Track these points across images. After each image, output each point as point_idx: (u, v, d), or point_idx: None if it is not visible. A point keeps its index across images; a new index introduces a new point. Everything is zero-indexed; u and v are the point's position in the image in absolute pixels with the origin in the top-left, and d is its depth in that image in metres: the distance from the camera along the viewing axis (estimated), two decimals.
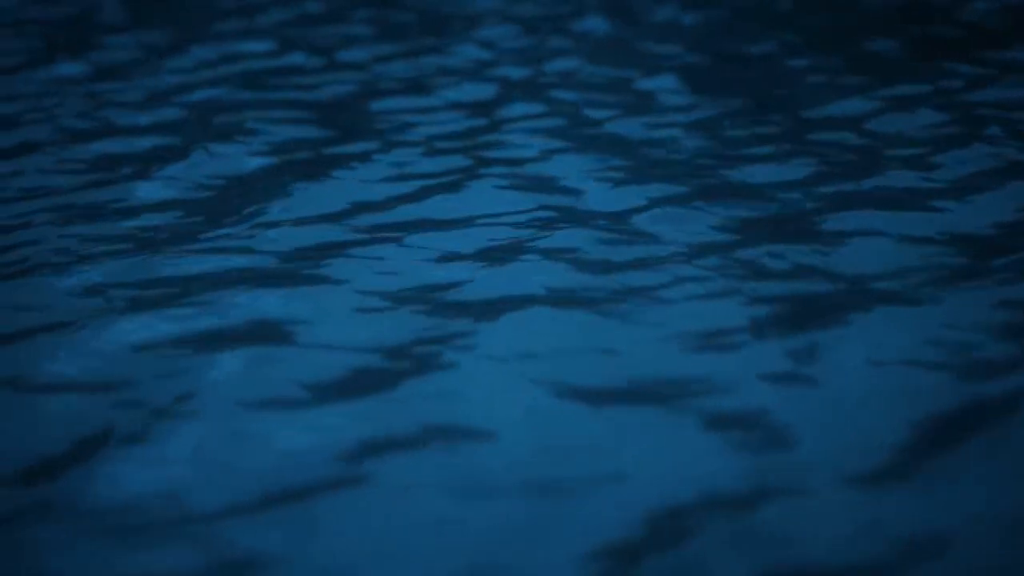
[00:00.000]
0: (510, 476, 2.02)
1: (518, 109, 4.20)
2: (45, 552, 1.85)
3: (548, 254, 2.92)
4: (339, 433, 2.17)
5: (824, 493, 1.94)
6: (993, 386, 2.25)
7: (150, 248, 3.06)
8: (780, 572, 1.75)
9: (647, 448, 2.09)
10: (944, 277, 2.76)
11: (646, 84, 4.50)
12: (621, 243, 2.99)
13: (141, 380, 2.39)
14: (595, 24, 5.56)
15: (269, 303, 2.71)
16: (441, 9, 6.00)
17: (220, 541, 1.87)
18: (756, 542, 1.82)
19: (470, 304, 2.68)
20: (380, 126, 4.07)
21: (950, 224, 3.08)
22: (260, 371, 2.40)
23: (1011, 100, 4.15)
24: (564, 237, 3.02)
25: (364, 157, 3.73)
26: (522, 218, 3.19)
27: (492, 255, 2.95)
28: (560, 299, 2.68)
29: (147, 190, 3.53)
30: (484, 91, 4.46)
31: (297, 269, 2.90)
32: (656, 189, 3.38)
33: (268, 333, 2.56)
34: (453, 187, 3.43)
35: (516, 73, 4.70)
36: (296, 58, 5.08)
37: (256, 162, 3.76)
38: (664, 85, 4.48)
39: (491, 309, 2.65)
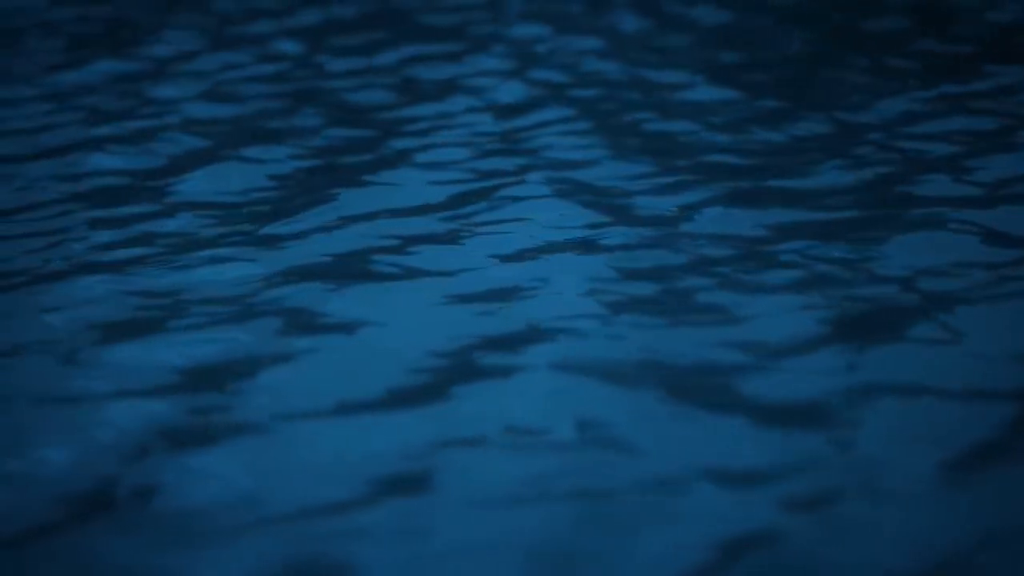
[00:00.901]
0: (563, 482, 2.04)
1: (555, 112, 4.21)
2: (116, 559, 1.87)
3: (598, 258, 2.94)
4: (400, 436, 2.19)
5: (900, 493, 1.96)
6: None
7: (194, 251, 3.08)
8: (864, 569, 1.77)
9: (700, 450, 2.11)
10: (994, 279, 2.78)
11: (682, 85, 4.51)
12: (670, 246, 3.01)
13: (200, 385, 2.41)
14: (628, 23, 5.57)
15: (323, 305, 2.73)
16: (471, 12, 6.02)
17: (288, 545, 1.89)
18: (833, 541, 1.84)
19: (522, 305, 2.70)
20: (419, 128, 4.09)
21: (999, 225, 3.09)
22: (318, 373, 2.42)
23: None
24: (613, 238, 3.04)
25: (406, 160, 3.75)
26: (569, 222, 3.21)
27: (542, 258, 2.96)
28: (613, 302, 2.70)
29: (191, 190, 3.55)
30: (520, 93, 4.47)
31: (347, 271, 2.92)
32: (701, 191, 3.39)
33: (326, 334, 2.58)
34: (497, 190, 3.45)
35: (551, 75, 4.71)
36: (327, 60, 5.10)
37: (297, 164, 3.78)
38: (699, 86, 4.49)
39: (543, 312, 2.67)
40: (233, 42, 5.47)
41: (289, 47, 5.34)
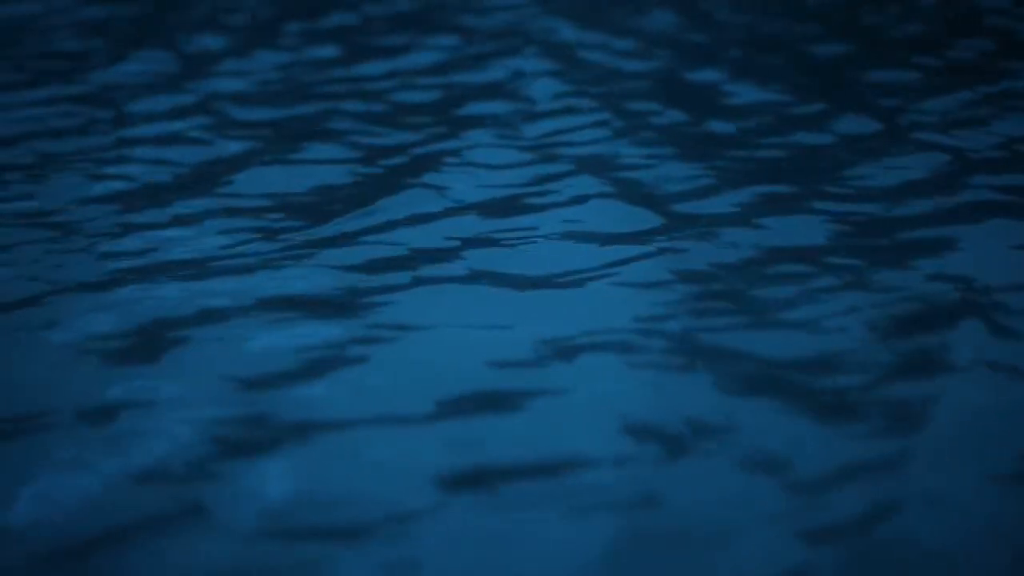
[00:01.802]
0: (611, 498, 2.05)
1: (596, 115, 4.22)
2: (201, 558, 1.89)
3: (649, 262, 2.95)
4: (450, 451, 2.20)
5: (963, 493, 1.97)
6: None
7: (239, 258, 3.09)
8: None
9: (759, 451, 2.12)
10: None
11: (725, 86, 4.52)
12: (719, 248, 3.02)
13: (262, 393, 2.43)
14: (664, 23, 5.57)
15: (379, 309, 2.74)
16: (505, 15, 6.03)
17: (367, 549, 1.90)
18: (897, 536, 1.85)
19: (580, 308, 2.71)
20: (464, 131, 4.10)
21: None
22: (374, 379, 2.43)
23: None
24: (663, 241, 3.05)
25: (454, 162, 3.76)
26: (619, 225, 3.22)
27: (595, 260, 2.98)
28: (667, 302, 2.71)
29: (236, 191, 3.56)
30: (559, 93, 4.48)
31: (399, 275, 2.93)
32: (747, 193, 3.40)
33: (383, 340, 2.59)
34: (545, 194, 3.46)
35: (591, 75, 4.72)
36: (364, 63, 5.11)
37: (341, 167, 3.79)
38: (741, 86, 4.49)
39: (603, 315, 2.68)
40: (270, 42, 5.48)
41: (328, 49, 5.36)
